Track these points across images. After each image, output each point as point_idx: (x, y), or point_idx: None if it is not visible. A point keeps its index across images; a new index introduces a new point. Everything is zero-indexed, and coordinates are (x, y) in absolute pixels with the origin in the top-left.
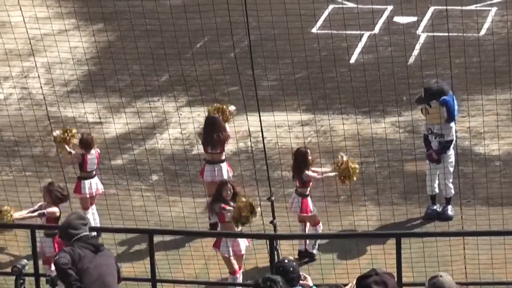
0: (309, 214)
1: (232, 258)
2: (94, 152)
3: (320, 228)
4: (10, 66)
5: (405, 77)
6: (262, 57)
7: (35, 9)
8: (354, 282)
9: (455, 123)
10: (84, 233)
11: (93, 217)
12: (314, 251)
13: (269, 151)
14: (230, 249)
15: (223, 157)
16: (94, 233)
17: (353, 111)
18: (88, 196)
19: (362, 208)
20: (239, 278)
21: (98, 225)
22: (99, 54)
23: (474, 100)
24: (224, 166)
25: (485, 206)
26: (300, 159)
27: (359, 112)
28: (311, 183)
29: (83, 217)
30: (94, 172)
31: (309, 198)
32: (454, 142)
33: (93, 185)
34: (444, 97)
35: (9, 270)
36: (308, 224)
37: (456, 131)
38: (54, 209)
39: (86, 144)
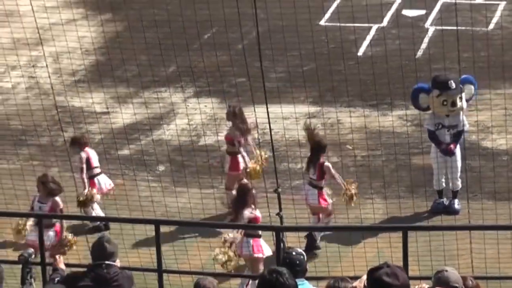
0: (325, 205)
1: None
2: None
3: (332, 220)
4: (18, 55)
5: (413, 71)
6: (270, 49)
7: None
8: (365, 277)
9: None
10: (98, 262)
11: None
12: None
13: (276, 143)
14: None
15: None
16: (114, 263)
17: (360, 104)
18: (103, 192)
19: (368, 201)
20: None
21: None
22: (107, 44)
23: (482, 95)
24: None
25: (492, 200)
26: (320, 149)
27: (367, 105)
28: (326, 176)
29: (104, 247)
30: (99, 169)
31: (324, 190)
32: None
33: (107, 183)
34: (463, 76)
35: (15, 259)
36: (321, 215)
37: (466, 122)
38: (58, 199)
39: (82, 142)
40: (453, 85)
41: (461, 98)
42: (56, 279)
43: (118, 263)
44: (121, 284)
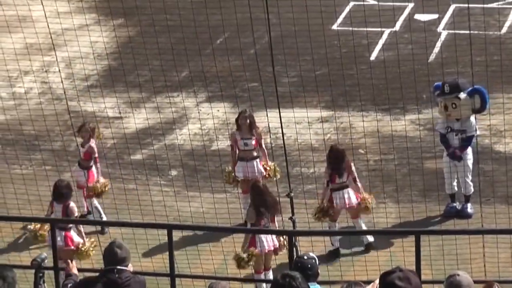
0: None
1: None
2: None
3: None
4: (31, 61)
5: (425, 75)
6: (282, 54)
7: (56, 4)
8: (377, 281)
9: (475, 119)
10: (110, 268)
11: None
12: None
13: (289, 147)
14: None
15: (256, 154)
16: (126, 268)
17: (373, 108)
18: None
19: (381, 206)
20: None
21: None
22: (120, 49)
23: (495, 98)
24: (257, 163)
25: (505, 205)
26: (342, 155)
27: (379, 109)
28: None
29: (114, 252)
30: None
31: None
32: (474, 139)
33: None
34: (475, 86)
35: (28, 263)
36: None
37: (476, 128)
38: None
39: (93, 133)
40: (447, 89)
41: (455, 104)
42: (69, 285)
43: (130, 267)
44: None
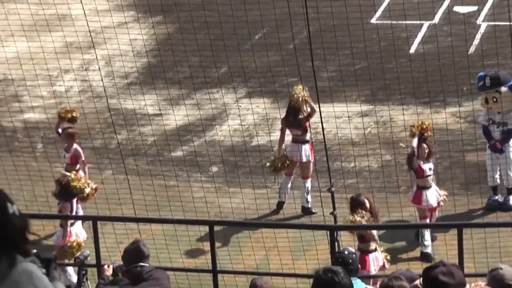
0: (420, 205)
1: None
2: None
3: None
4: (71, 59)
5: (465, 67)
6: (321, 48)
7: (95, 2)
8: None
9: None
10: (134, 265)
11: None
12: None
13: (329, 142)
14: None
15: (307, 138)
16: (146, 265)
17: (413, 102)
18: None
19: None
20: None
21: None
22: (159, 46)
23: None
24: (306, 147)
25: None
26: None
27: (419, 103)
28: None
29: (142, 250)
30: None
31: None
32: None
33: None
34: None
35: (71, 261)
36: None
37: None
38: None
39: (73, 137)
40: (488, 83)
41: (495, 98)
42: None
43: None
44: (157, 278)
